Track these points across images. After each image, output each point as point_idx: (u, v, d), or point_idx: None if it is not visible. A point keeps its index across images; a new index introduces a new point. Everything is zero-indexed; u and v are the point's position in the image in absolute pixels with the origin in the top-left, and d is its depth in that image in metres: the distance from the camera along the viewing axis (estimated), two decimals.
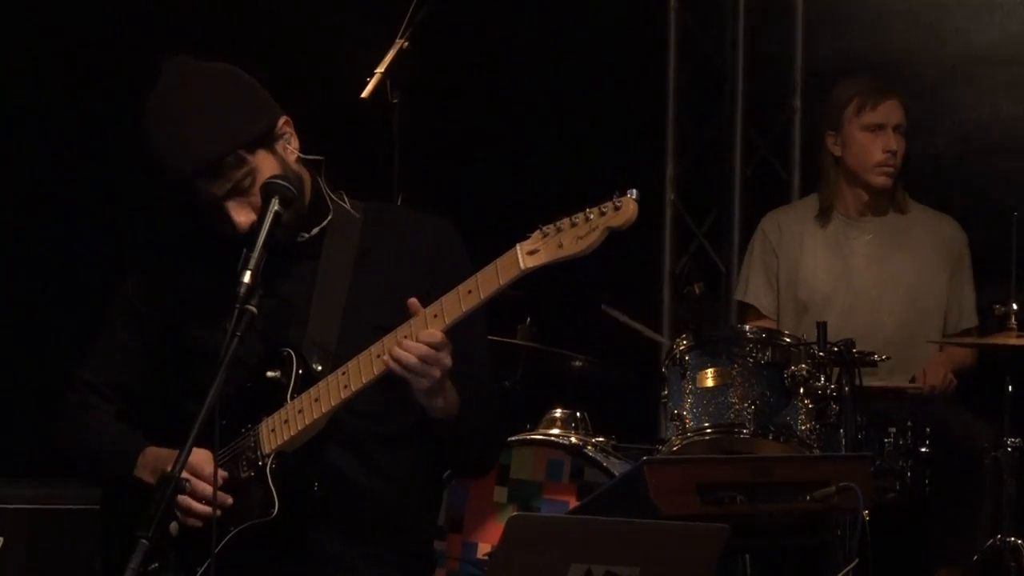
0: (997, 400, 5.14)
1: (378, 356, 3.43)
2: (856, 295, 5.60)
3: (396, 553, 3.63)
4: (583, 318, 5.88)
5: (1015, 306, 5.03)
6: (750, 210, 6.53)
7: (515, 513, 3.82)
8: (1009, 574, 5.05)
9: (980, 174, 6.39)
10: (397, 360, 3.39)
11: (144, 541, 3.14)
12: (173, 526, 3.39)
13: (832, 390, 4.84)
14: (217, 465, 3.40)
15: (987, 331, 5.37)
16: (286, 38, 6.35)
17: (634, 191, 3.27)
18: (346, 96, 5.27)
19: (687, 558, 3.25)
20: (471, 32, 6.51)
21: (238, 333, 3.31)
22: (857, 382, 4.85)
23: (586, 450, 5.07)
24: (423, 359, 3.38)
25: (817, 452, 4.79)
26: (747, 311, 5.75)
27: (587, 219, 3.28)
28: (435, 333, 3.38)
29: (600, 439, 5.20)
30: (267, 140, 3.57)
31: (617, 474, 4.87)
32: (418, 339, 3.38)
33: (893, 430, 5.05)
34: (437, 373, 3.41)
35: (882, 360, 4.93)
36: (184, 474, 3.27)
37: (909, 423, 5.08)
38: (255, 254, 3.40)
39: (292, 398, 3.51)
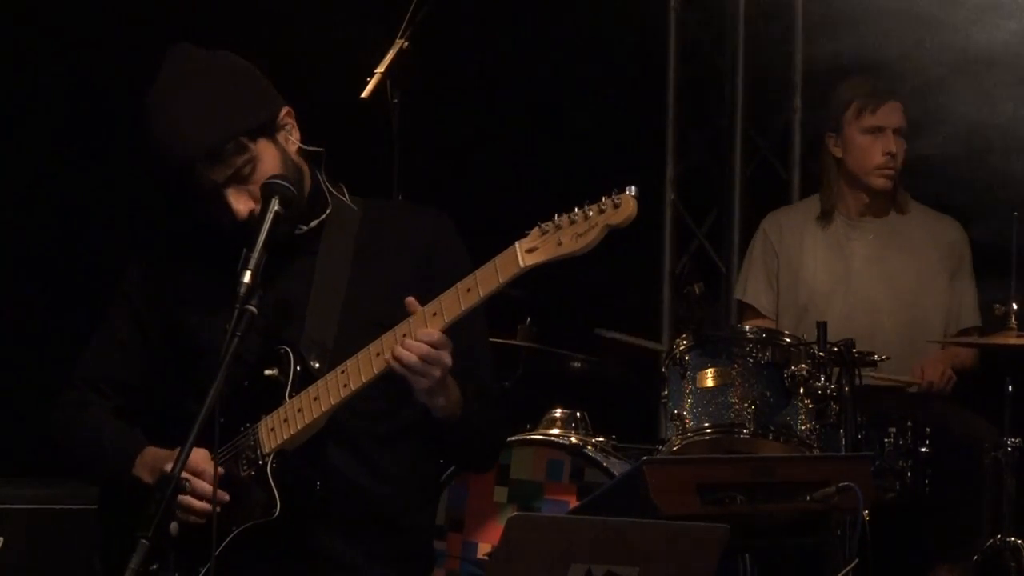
0: (997, 400, 5.14)
1: (377, 354, 3.42)
2: (856, 296, 5.61)
3: (396, 552, 3.63)
4: (583, 318, 5.88)
5: (1015, 306, 5.03)
6: (750, 210, 6.54)
7: (515, 513, 3.82)
8: (1009, 574, 5.05)
9: (980, 174, 6.38)
10: (398, 359, 3.39)
11: (144, 541, 3.14)
12: (173, 526, 3.39)
13: (832, 390, 4.84)
14: (216, 464, 3.40)
15: (987, 331, 5.37)
16: (286, 38, 6.35)
17: (633, 188, 3.26)
18: (346, 96, 5.27)
19: (687, 558, 3.25)
20: (471, 32, 6.51)
21: (238, 333, 3.31)
22: (857, 382, 4.85)
23: (586, 450, 5.07)
24: (423, 358, 3.38)
25: (817, 452, 4.79)
26: (746, 311, 5.75)
27: (586, 216, 3.27)
28: (435, 332, 3.38)
29: (600, 439, 5.20)
30: (269, 129, 3.57)
31: (617, 474, 4.87)
32: (418, 338, 3.38)
33: (893, 430, 5.05)
34: (438, 372, 3.40)
35: (882, 360, 4.93)
36: (184, 474, 3.27)
37: (909, 423, 5.08)
38: (255, 254, 3.40)
39: (290, 396, 3.51)
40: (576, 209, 3.29)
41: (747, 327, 5.17)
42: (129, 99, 3.76)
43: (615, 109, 6.67)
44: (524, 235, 3.33)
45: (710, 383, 4.92)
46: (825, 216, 5.68)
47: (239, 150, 3.51)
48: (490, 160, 6.64)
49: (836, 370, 4.88)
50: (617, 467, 4.99)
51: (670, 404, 5.04)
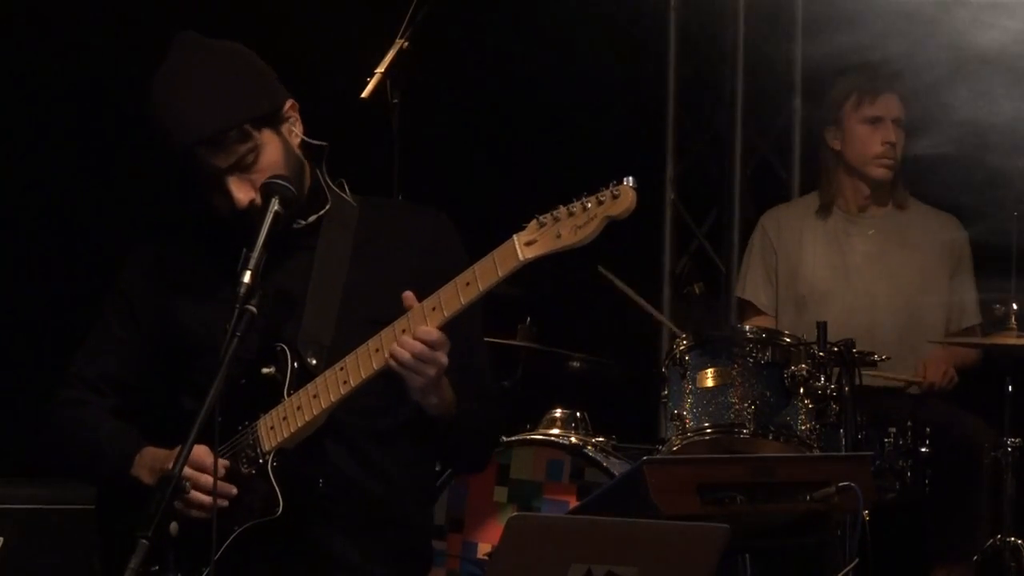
0: (997, 400, 5.15)
1: (376, 350, 3.42)
2: (856, 292, 5.61)
3: (394, 550, 3.62)
4: (583, 318, 5.88)
5: (1015, 306, 5.03)
6: (750, 210, 6.54)
7: (515, 513, 3.82)
8: (1009, 574, 5.05)
9: (980, 174, 6.38)
10: (393, 356, 3.38)
11: (144, 541, 3.13)
12: (173, 526, 3.37)
13: (832, 390, 4.84)
14: (219, 459, 3.39)
15: (987, 331, 5.37)
16: (286, 37, 6.34)
17: (631, 178, 3.23)
18: (346, 96, 5.27)
19: (687, 558, 3.25)
20: (471, 32, 6.51)
21: (238, 333, 3.30)
22: (857, 382, 4.85)
23: (586, 450, 5.07)
24: (419, 356, 3.38)
25: (817, 452, 4.79)
26: (746, 308, 5.76)
27: (585, 208, 3.25)
28: (433, 331, 3.37)
29: (600, 439, 5.20)
30: (273, 120, 3.56)
31: (617, 474, 4.87)
32: (416, 336, 3.37)
33: (893, 430, 5.05)
34: (432, 372, 3.40)
35: (882, 360, 4.94)
36: (186, 471, 3.26)
37: (909, 423, 5.08)
38: (255, 254, 3.39)
39: (288, 394, 3.50)
40: (574, 201, 3.28)
41: (747, 327, 5.17)
42: (130, 99, 3.75)
43: (615, 109, 6.67)
44: (521, 228, 3.32)
45: (710, 383, 4.92)
46: (824, 209, 5.69)
47: (243, 138, 3.50)
48: (490, 160, 6.63)
49: (836, 370, 4.88)
50: (617, 467, 4.99)
51: (670, 404, 5.03)
